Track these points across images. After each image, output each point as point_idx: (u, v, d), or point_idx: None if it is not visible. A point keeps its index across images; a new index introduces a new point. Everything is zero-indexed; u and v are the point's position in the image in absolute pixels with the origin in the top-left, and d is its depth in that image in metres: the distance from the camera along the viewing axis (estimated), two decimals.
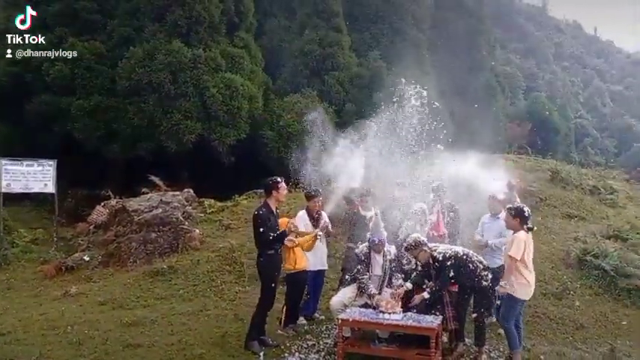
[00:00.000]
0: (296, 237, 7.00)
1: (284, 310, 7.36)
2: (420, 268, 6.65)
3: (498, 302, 7.03)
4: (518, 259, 6.01)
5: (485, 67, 32.44)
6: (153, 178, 13.66)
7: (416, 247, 6.44)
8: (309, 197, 7.85)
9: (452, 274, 6.37)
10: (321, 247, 7.80)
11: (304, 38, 23.84)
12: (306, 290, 7.74)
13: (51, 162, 12.89)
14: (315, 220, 7.72)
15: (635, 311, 8.59)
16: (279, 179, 6.80)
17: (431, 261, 6.49)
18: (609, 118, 54.03)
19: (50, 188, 12.91)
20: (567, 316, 8.22)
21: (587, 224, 12.33)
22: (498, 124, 30.86)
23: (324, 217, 7.83)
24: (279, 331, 7.23)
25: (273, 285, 6.64)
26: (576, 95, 55.44)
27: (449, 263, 6.36)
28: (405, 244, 6.64)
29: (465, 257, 6.44)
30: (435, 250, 6.50)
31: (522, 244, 6.02)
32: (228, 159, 19.18)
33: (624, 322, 8.23)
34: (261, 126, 20.61)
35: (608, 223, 12.01)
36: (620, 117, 54.19)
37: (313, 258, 7.63)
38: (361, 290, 6.80)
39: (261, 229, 6.47)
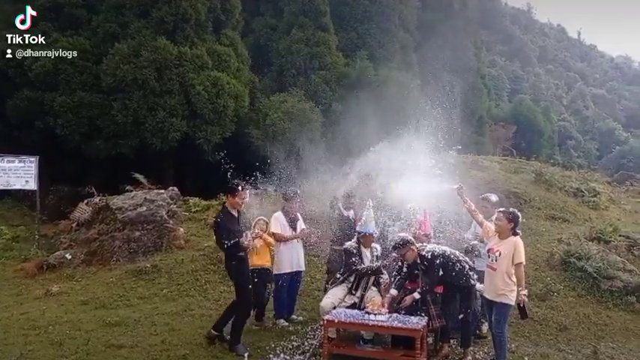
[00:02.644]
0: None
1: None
2: (404, 269, 6.63)
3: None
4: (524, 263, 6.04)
5: (471, 68, 32.65)
6: (137, 175, 13.51)
7: (403, 245, 6.42)
8: (287, 199, 7.84)
9: (441, 272, 6.36)
10: (297, 249, 7.79)
11: (291, 37, 23.82)
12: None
13: (33, 158, 12.70)
14: (292, 221, 7.71)
15: (618, 313, 8.67)
16: (239, 187, 6.58)
17: (418, 260, 6.48)
18: (592, 121, 54.83)
19: (32, 185, 12.72)
20: (551, 318, 8.27)
21: (571, 226, 12.44)
22: (484, 125, 31.11)
23: (301, 222, 7.84)
24: (254, 327, 7.28)
25: (250, 286, 6.60)
26: (560, 98, 56.15)
27: (437, 261, 6.37)
28: (392, 243, 6.63)
29: (452, 256, 6.47)
30: (423, 250, 6.49)
31: (523, 248, 6.05)
32: (214, 157, 19.09)
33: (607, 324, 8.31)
34: (247, 124, 20.56)
35: (591, 225, 12.11)
36: (603, 120, 55.00)
37: (290, 259, 7.63)
38: (358, 278, 6.82)
39: (223, 239, 6.37)
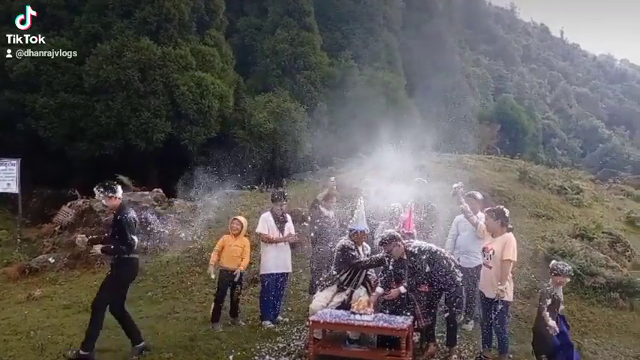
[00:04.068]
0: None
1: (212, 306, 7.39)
2: (390, 267, 6.61)
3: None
4: (515, 260, 6.07)
5: (455, 68, 32.81)
6: (121, 177, 13.36)
7: (390, 241, 6.41)
8: (275, 200, 7.82)
9: (427, 268, 6.36)
10: (284, 250, 7.76)
11: (276, 37, 23.82)
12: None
13: (14, 161, 12.52)
14: (280, 222, 7.70)
15: (601, 309, 8.73)
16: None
17: (405, 256, 6.46)
18: (575, 119, 55.32)
19: (13, 188, 12.53)
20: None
21: (554, 223, 12.52)
22: (468, 124, 31.25)
23: (290, 224, 7.85)
24: (211, 328, 7.24)
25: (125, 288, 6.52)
26: (543, 97, 56.57)
27: (424, 257, 6.36)
28: (379, 239, 6.63)
29: (438, 252, 6.48)
30: (410, 245, 6.49)
31: (515, 245, 6.08)
32: (198, 158, 19.01)
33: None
34: (232, 125, 20.49)
35: (575, 222, 12.20)
36: (586, 118, 55.52)
37: (275, 261, 7.60)
38: (353, 273, 6.82)
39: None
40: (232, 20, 24.17)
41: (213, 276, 7.47)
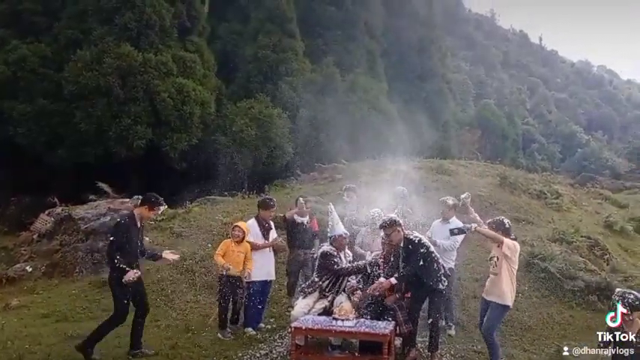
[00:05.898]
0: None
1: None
2: (392, 259, 6.59)
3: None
4: (501, 255, 6.12)
5: (436, 74, 33.06)
6: (101, 184, 13.26)
7: (391, 225, 6.39)
8: (264, 207, 7.80)
9: (421, 262, 6.31)
10: (268, 258, 7.75)
11: (258, 43, 23.83)
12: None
13: None
14: (265, 229, 7.69)
15: (580, 312, 8.84)
16: (162, 201, 6.51)
17: (402, 244, 6.43)
18: (554, 125, 55.95)
19: None
20: (515, 319, 8.36)
21: (535, 228, 12.61)
22: (449, 130, 31.50)
23: (274, 231, 7.86)
24: (219, 335, 7.20)
25: (126, 301, 6.45)
26: (523, 102, 57.13)
27: (422, 250, 6.32)
28: (380, 223, 6.61)
29: (434, 254, 6.46)
30: (411, 235, 6.48)
31: (514, 249, 6.15)
32: (180, 165, 18.91)
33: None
34: (214, 131, 20.44)
35: (554, 226, 12.31)
36: (565, 123, 56.18)
37: (260, 268, 7.54)
38: (335, 280, 6.88)
39: (114, 242, 6.21)
40: (214, 26, 24.15)
41: (229, 267, 7.19)
